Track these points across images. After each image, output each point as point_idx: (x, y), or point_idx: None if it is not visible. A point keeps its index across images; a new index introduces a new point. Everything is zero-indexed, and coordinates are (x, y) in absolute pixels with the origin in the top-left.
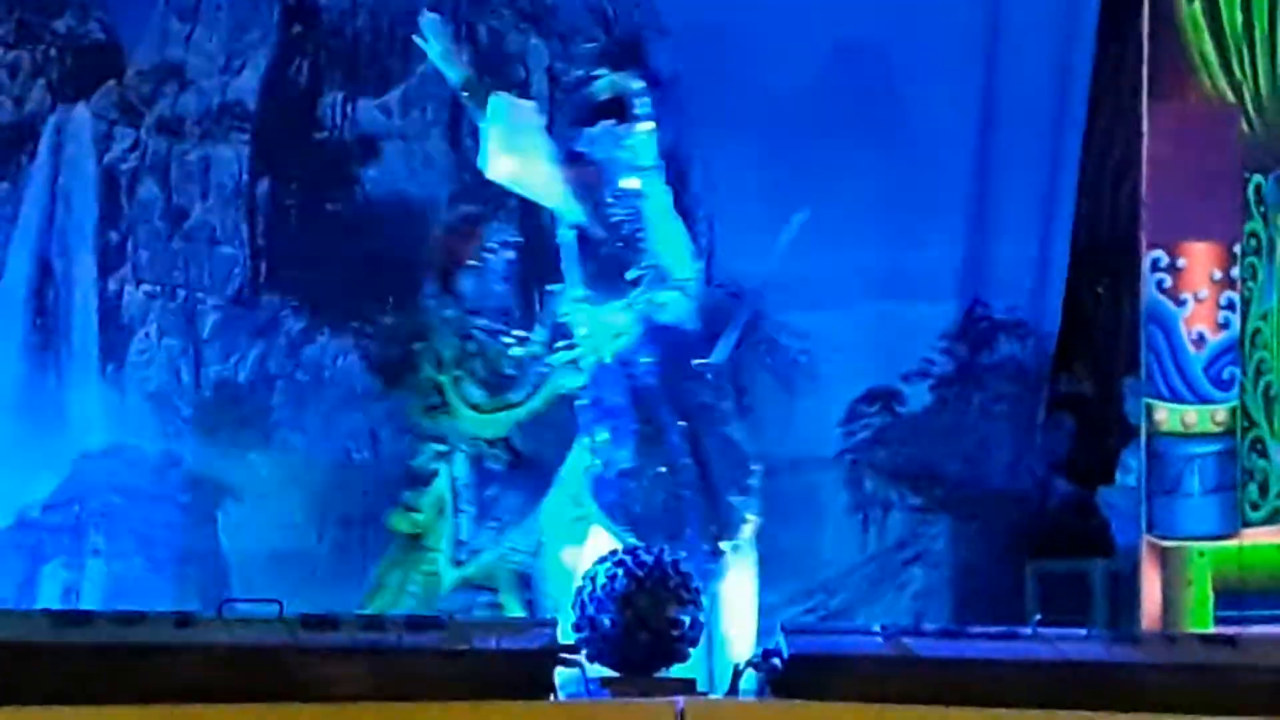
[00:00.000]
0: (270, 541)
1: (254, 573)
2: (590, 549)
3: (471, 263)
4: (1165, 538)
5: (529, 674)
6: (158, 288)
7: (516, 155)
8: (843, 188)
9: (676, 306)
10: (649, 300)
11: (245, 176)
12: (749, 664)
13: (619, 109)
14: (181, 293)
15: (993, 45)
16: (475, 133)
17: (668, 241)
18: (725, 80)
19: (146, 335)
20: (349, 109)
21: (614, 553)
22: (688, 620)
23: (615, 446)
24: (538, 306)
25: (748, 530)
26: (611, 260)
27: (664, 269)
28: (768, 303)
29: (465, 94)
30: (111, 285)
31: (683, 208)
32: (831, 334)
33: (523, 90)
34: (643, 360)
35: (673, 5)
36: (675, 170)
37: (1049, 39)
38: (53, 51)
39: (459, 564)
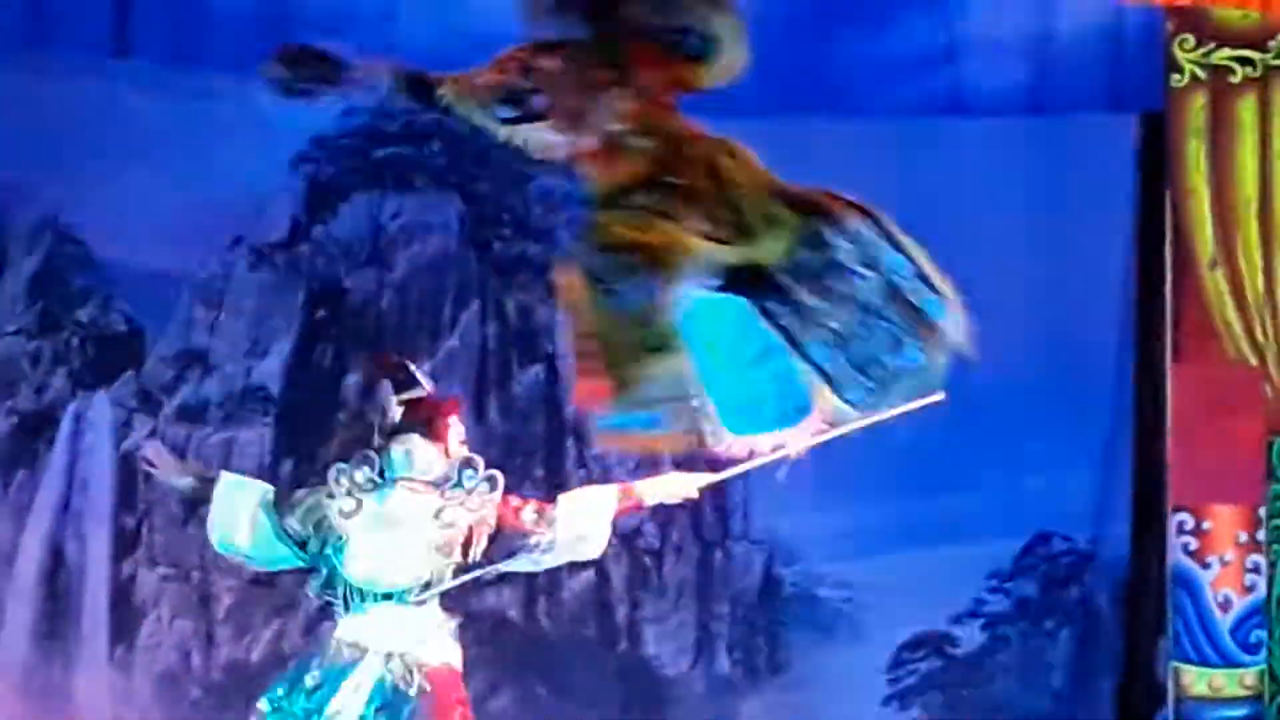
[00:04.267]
0: None
1: None
2: None
3: None
4: None
5: None
6: (172, 570)
7: None
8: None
9: None
10: None
11: (268, 458)
12: None
13: None
14: (197, 575)
15: (1036, 275)
16: (500, 404)
17: None
18: None
19: (158, 618)
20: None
21: None
22: None
23: None
24: None
25: None
26: None
27: None
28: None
29: None
30: (125, 569)
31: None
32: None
33: (549, 362)
34: None
35: None
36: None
37: (1091, 285)
38: (74, 341)
39: None
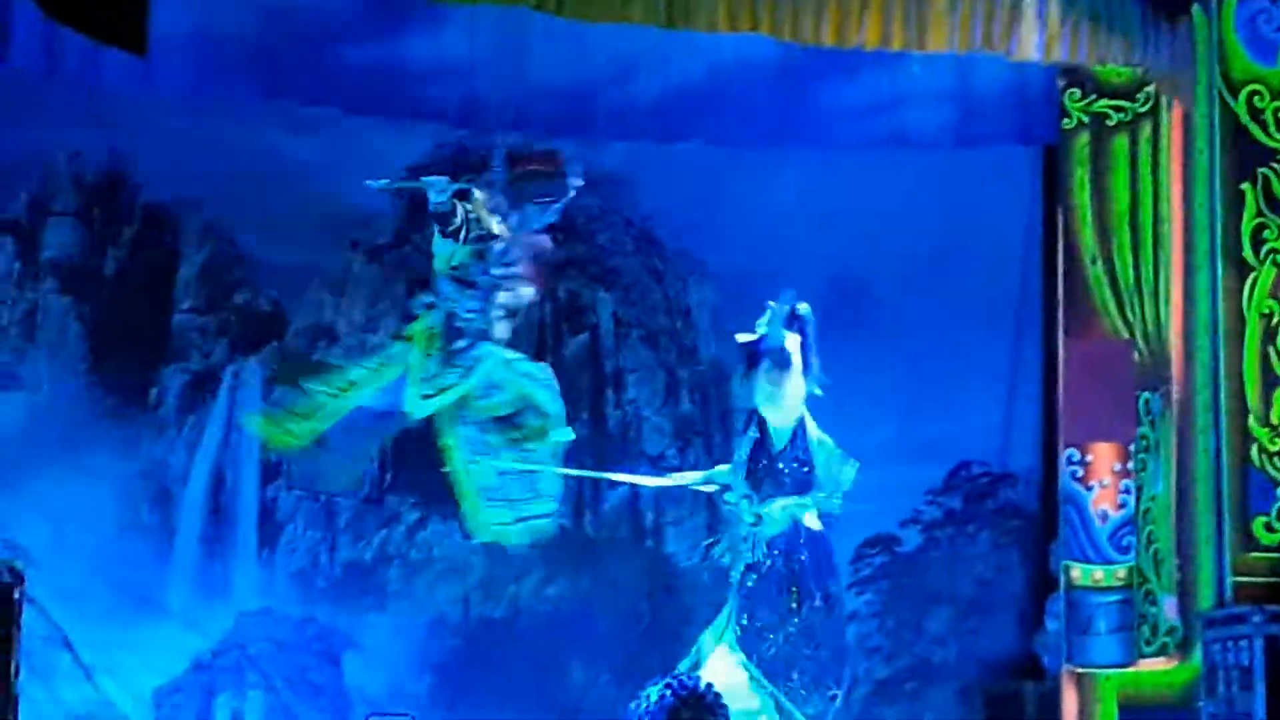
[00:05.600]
0: (381, 681)
1: (369, 704)
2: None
3: None
4: (1081, 666)
5: None
6: (305, 492)
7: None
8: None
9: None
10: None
11: None
12: None
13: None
14: (324, 496)
15: (963, 267)
16: (554, 362)
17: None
18: (753, 307)
19: (295, 528)
20: None
21: (663, 677)
22: None
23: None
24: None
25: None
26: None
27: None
28: None
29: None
30: (269, 491)
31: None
32: None
33: (593, 333)
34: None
35: (710, 252)
36: (719, 373)
37: (1009, 264)
38: (232, 318)
39: None
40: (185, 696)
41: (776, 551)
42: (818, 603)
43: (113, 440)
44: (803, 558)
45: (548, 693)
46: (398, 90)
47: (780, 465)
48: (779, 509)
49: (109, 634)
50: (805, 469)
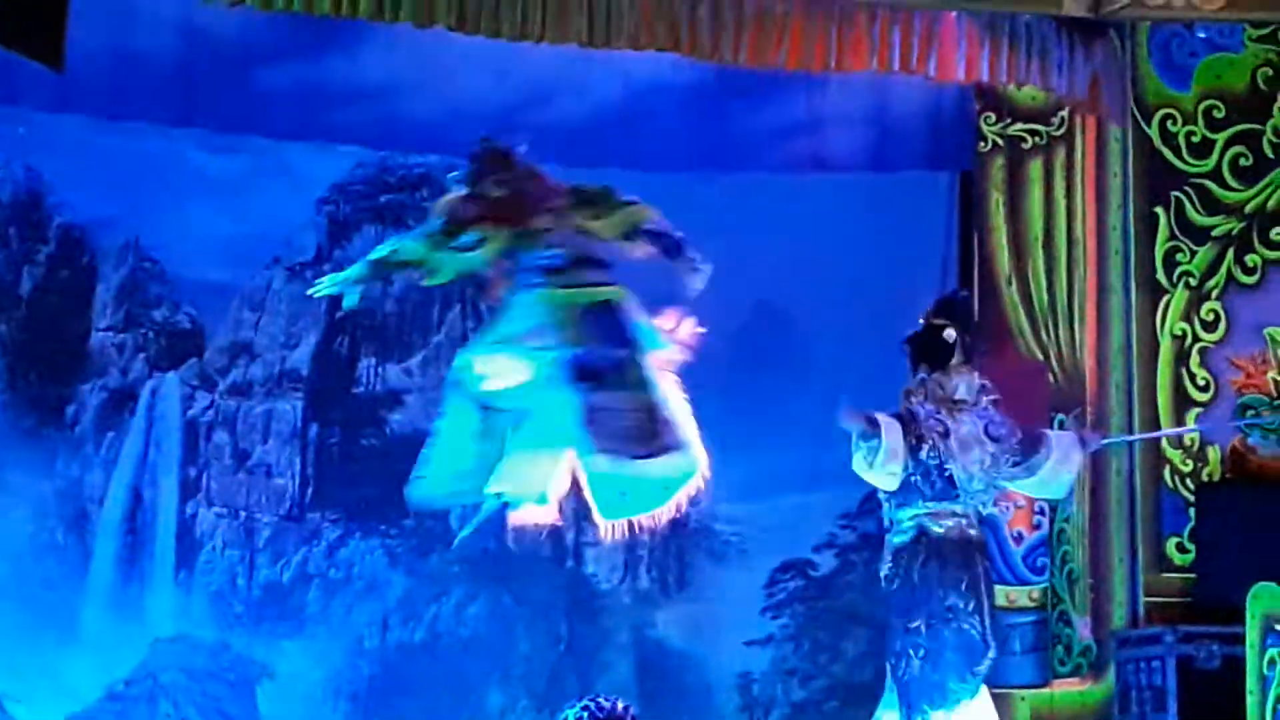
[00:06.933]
0: (295, 711)
1: None
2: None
3: None
4: (996, 686)
5: None
6: (225, 509)
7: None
8: (761, 409)
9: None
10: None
11: (299, 423)
12: None
13: None
14: (243, 513)
15: (878, 295)
16: None
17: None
18: None
19: (213, 548)
20: (380, 371)
21: (580, 698)
22: None
23: None
24: None
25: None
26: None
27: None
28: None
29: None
30: (189, 509)
31: None
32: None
33: None
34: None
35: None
36: None
37: (918, 302)
38: (150, 334)
39: None
40: None
41: (904, 560)
42: (934, 620)
43: (29, 459)
44: (925, 568)
45: (465, 718)
46: (317, 113)
47: (926, 472)
48: (909, 517)
49: (22, 660)
50: (946, 475)
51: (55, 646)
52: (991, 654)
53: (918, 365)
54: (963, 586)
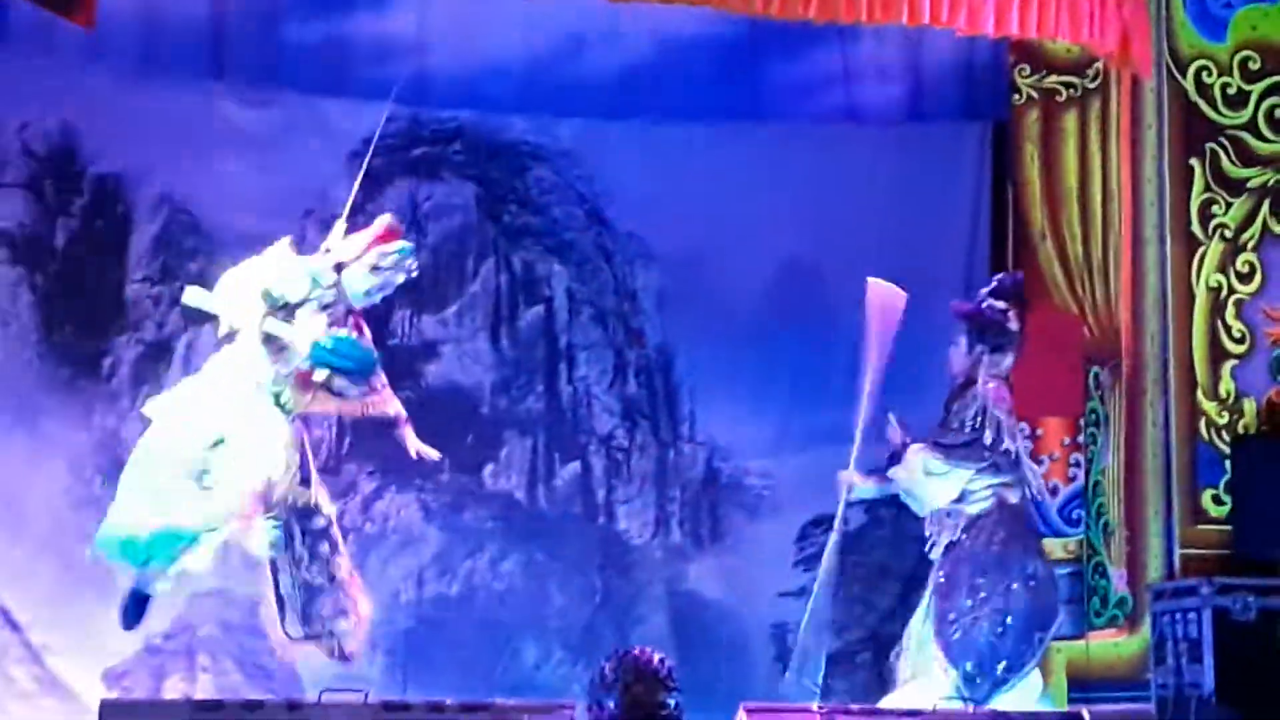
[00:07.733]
0: (331, 665)
1: (321, 683)
2: None
3: None
4: None
5: None
6: None
7: None
8: (793, 364)
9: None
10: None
11: None
12: None
13: None
14: None
15: (910, 248)
16: (509, 335)
17: None
18: (698, 290)
19: None
20: (415, 322)
21: (616, 650)
22: (673, 703)
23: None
24: None
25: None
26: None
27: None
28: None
29: None
30: None
31: (671, 385)
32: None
33: (547, 307)
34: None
35: (657, 233)
36: (665, 358)
37: (950, 255)
38: (186, 286)
39: None
40: (135, 679)
41: (977, 530)
42: (1014, 585)
43: (65, 411)
44: (1002, 536)
45: (500, 670)
46: (348, 68)
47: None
48: (984, 486)
49: (60, 613)
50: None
51: (93, 600)
52: (1060, 618)
53: (974, 343)
54: (1038, 554)
